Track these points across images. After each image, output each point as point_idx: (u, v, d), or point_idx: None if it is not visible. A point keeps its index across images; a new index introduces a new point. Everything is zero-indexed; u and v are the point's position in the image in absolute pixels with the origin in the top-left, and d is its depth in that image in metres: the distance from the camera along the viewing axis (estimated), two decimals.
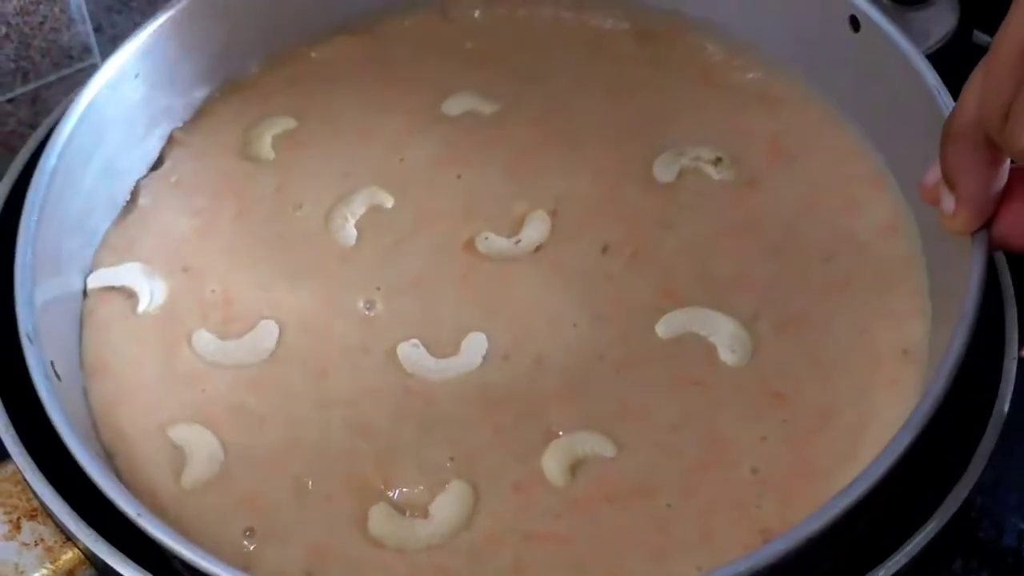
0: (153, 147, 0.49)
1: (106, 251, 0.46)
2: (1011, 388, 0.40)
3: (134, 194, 0.48)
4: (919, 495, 0.39)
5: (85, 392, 0.43)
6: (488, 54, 0.51)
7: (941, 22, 0.52)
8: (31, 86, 0.58)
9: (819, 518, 0.33)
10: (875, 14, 0.45)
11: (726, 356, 0.41)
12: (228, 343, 0.43)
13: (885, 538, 0.38)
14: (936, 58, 0.45)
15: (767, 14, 0.49)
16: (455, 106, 0.49)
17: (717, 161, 0.47)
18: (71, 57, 0.58)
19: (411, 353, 0.42)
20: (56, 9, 0.56)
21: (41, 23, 0.56)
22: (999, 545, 0.45)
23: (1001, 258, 0.43)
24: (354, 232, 0.46)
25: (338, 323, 0.44)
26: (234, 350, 0.43)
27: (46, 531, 0.40)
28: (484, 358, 0.42)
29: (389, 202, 0.47)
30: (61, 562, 0.40)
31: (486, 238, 0.45)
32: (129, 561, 0.37)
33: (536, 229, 0.45)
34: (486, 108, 0.49)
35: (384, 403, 0.41)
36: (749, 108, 0.49)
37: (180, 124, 0.50)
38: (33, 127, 0.54)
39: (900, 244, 0.44)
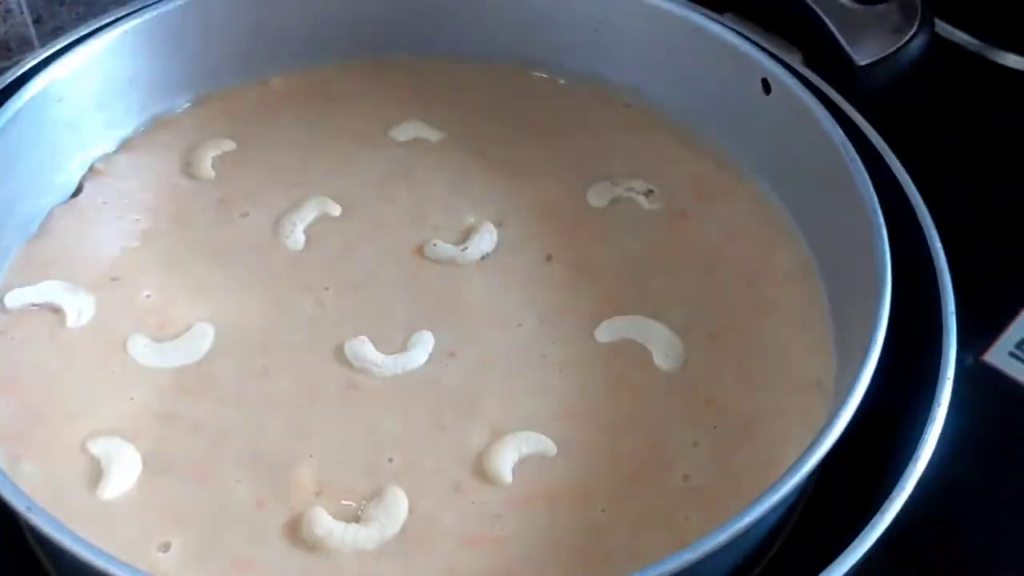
0: (73, 175, 0.49)
1: (17, 272, 0.45)
2: (946, 402, 0.40)
3: (49, 218, 0.47)
4: (854, 509, 0.39)
5: None
6: (427, 93, 0.54)
7: (905, 18, 0.53)
8: None
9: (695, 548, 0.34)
10: (785, 77, 0.47)
11: (660, 361, 0.44)
12: (162, 345, 0.43)
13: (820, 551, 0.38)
14: (903, 54, 0.48)
15: (684, 79, 0.52)
16: (404, 133, 0.52)
17: (649, 193, 0.50)
18: (10, 50, 0.58)
19: (359, 349, 0.43)
20: None
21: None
22: (951, 560, 0.45)
23: (945, 274, 0.44)
24: (303, 237, 0.47)
25: (283, 323, 0.44)
26: (169, 352, 0.43)
27: None
28: (431, 355, 0.43)
29: (337, 211, 0.48)
30: None
31: (435, 244, 0.47)
32: None
33: (483, 239, 0.47)
34: (433, 136, 0.52)
35: (327, 402, 0.42)
36: (672, 153, 0.52)
37: (102, 155, 0.50)
38: None
39: (808, 287, 0.47)
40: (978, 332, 0.51)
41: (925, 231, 0.45)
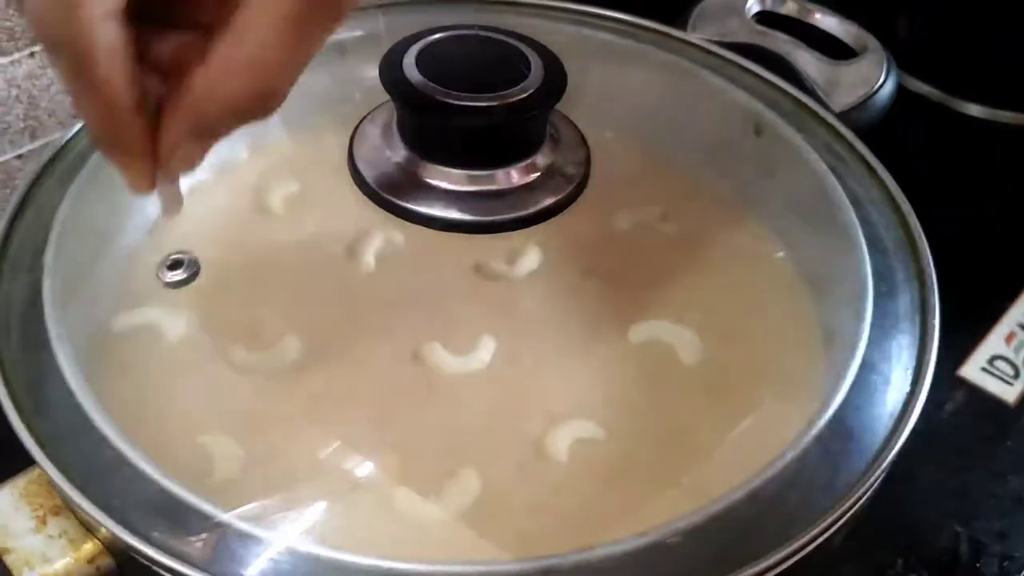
0: (149, 216, 0.54)
1: (116, 299, 0.50)
2: (922, 400, 0.45)
3: (135, 250, 0.53)
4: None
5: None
6: None
7: (872, 72, 0.62)
8: (39, 142, 0.63)
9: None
10: (777, 120, 0.55)
11: (684, 358, 0.51)
12: (253, 355, 0.49)
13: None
14: (874, 101, 0.55)
15: (680, 122, 0.59)
16: None
17: (664, 218, 0.57)
18: (75, 117, 0.61)
19: (432, 352, 0.49)
20: None
21: (48, 86, 0.62)
22: (936, 546, 0.53)
23: (933, 281, 0.49)
24: (373, 261, 0.53)
25: (364, 333, 0.50)
26: (259, 362, 0.49)
27: (69, 525, 0.43)
28: (493, 357, 0.50)
29: (401, 238, 0.54)
30: (83, 552, 0.42)
31: (489, 264, 0.54)
32: (148, 543, 0.39)
33: (529, 258, 0.54)
34: None
35: (406, 400, 0.48)
36: (678, 186, 0.59)
37: None
38: None
39: (800, 304, 0.53)
40: (952, 347, 0.58)
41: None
